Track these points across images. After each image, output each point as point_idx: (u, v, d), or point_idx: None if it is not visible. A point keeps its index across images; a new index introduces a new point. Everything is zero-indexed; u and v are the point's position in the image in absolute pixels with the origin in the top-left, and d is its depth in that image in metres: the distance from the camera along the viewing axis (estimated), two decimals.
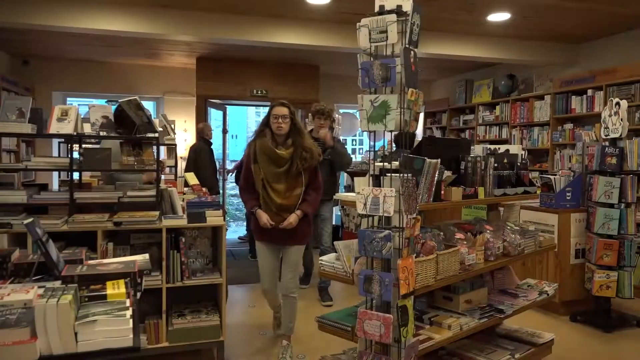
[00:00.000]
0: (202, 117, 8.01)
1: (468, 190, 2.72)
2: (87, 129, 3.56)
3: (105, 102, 7.83)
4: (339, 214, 7.59)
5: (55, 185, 6.67)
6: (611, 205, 4.17)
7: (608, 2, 4.97)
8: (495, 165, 2.95)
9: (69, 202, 3.27)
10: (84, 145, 3.52)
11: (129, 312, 1.49)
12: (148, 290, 3.09)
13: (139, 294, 1.80)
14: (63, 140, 5.57)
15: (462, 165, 2.83)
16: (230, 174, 8.28)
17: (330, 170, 4.73)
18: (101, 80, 8.29)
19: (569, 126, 6.48)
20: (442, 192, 2.56)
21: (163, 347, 3.20)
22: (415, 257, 2.27)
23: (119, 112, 3.54)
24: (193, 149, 6.66)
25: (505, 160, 3.11)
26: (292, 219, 3.28)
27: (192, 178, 4.54)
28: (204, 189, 4.21)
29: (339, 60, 7.65)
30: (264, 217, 3.27)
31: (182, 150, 7.82)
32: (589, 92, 6.13)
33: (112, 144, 3.54)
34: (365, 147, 10.10)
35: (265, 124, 3.34)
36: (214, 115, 8.67)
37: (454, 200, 2.63)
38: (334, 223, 8.27)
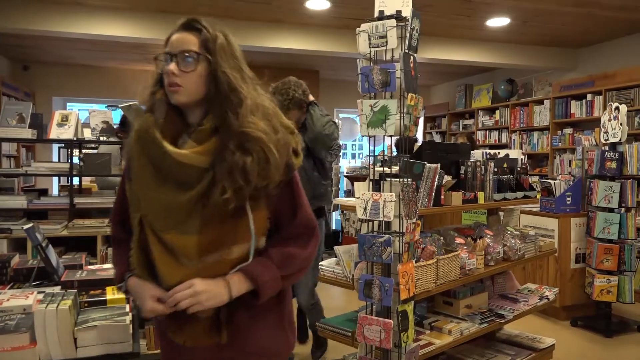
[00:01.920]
0: None
1: (468, 195, 2.72)
2: (87, 134, 3.58)
3: (106, 107, 7.85)
4: (339, 218, 7.59)
5: (55, 191, 6.67)
6: (611, 210, 4.17)
7: (607, 7, 4.99)
8: (495, 169, 2.95)
9: (68, 207, 3.27)
10: (84, 151, 3.52)
11: (128, 318, 1.49)
12: None
13: None
14: (63, 145, 5.58)
15: (462, 170, 2.83)
16: None
17: (314, 162, 3.28)
18: (101, 86, 8.30)
19: (568, 131, 6.49)
20: (442, 196, 2.56)
21: None
22: (416, 262, 2.27)
23: (124, 118, 3.56)
24: None
25: (505, 165, 3.11)
26: (201, 287, 1.26)
27: None
28: None
29: (338, 65, 7.67)
30: (147, 294, 1.30)
31: None
32: (589, 96, 6.14)
33: (109, 149, 3.55)
34: (365, 152, 10.13)
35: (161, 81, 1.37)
36: None
37: (454, 204, 2.63)
38: (333, 228, 8.31)
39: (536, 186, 4.47)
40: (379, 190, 2.14)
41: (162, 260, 1.28)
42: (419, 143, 3.05)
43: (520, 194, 3.09)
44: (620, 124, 4.14)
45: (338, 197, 7.36)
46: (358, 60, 2.18)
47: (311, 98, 3.27)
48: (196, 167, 1.25)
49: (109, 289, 1.68)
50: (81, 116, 3.54)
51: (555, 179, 4.68)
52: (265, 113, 1.31)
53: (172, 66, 1.30)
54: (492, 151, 3.79)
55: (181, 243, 1.26)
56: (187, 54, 1.31)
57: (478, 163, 2.84)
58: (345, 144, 10.03)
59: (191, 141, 1.29)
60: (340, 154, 5.24)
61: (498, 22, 5.56)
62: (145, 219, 1.31)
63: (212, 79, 1.30)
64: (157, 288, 1.29)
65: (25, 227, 1.78)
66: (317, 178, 3.28)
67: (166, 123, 1.32)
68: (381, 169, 2.19)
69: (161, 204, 1.28)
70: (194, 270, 1.26)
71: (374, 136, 2.13)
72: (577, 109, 6.33)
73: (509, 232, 3.05)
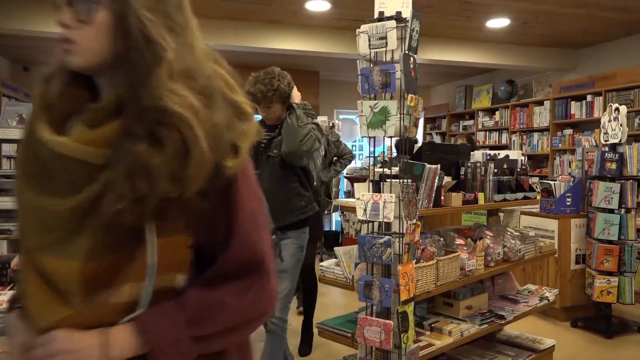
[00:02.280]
0: None
1: (468, 196, 2.72)
2: None
3: None
4: (339, 219, 7.59)
5: None
6: (611, 211, 4.16)
7: (606, 8, 4.99)
8: (495, 170, 2.96)
9: None
10: None
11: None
12: None
13: None
14: None
15: (462, 170, 2.84)
16: None
17: (293, 171, 2.82)
18: None
19: (568, 131, 6.49)
20: (442, 197, 2.56)
21: None
22: (416, 263, 2.27)
23: None
24: None
25: (505, 166, 3.11)
26: (63, 345, 0.83)
27: None
28: None
29: (338, 66, 7.67)
30: (17, 340, 0.90)
31: None
32: (588, 97, 6.14)
33: None
34: (365, 152, 10.13)
35: None
36: None
37: (454, 205, 2.63)
38: (332, 228, 8.32)
39: (536, 187, 4.47)
40: (379, 191, 2.14)
41: (34, 293, 0.88)
42: (419, 144, 3.04)
43: (520, 195, 3.09)
44: (620, 125, 4.14)
45: (338, 197, 7.37)
46: (358, 61, 2.18)
47: (295, 98, 2.80)
48: (84, 162, 0.84)
49: None
50: None
51: (555, 180, 4.68)
52: (206, 86, 0.89)
53: (63, 15, 0.87)
54: (492, 152, 3.79)
55: (60, 270, 0.85)
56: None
57: (478, 164, 2.84)
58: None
59: (81, 124, 0.87)
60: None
61: (498, 23, 5.57)
62: (22, 235, 0.93)
63: (120, 28, 0.86)
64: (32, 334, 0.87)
65: None
66: (296, 189, 2.80)
67: (62, 98, 0.91)
68: (381, 170, 2.19)
69: (36, 212, 0.89)
70: (75, 312, 0.84)
71: (374, 137, 2.13)
72: (577, 110, 6.34)
73: (509, 233, 3.05)
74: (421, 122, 9.44)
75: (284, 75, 2.75)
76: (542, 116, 6.89)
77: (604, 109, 5.22)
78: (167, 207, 0.83)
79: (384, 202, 2.06)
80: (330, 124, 6.34)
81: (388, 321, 2.08)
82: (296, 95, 2.83)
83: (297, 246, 2.82)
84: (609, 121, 4.25)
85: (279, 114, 2.77)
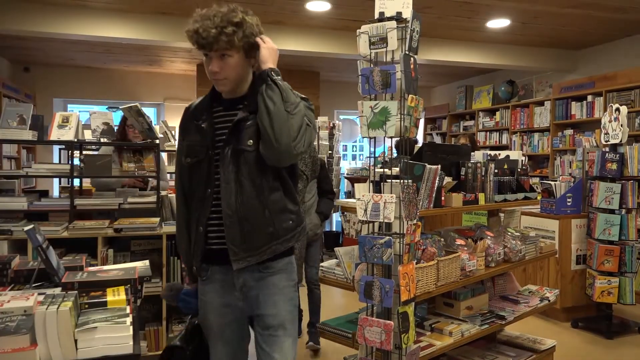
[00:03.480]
0: None
1: (468, 196, 2.72)
2: (87, 135, 3.58)
3: (106, 108, 7.85)
4: (340, 220, 7.60)
5: (55, 192, 6.67)
6: (612, 211, 4.16)
7: (607, 9, 4.99)
8: (496, 171, 2.95)
9: (69, 208, 3.27)
10: (84, 152, 3.53)
11: (129, 319, 1.49)
12: (148, 297, 3.08)
13: (139, 301, 1.80)
14: (64, 146, 5.59)
15: (462, 171, 2.83)
16: None
17: (276, 174, 1.83)
18: (102, 87, 8.31)
19: (569, 132, 6.49)
20: (443, 198, 2.56)
21: None
22: (416, 264, 2.27)
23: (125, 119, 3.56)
24: None
25: (506, 166, 3.11)
26: None
27: None
28: None
29: (339, 66, 7.68)
30: None
31: None
32: (589, 97, 6.14)
33: (110, 150, 3.55)
34: (366, 153, 10.13)
35: None
36: None
37: (455, 206, 2.63)
38: (333, 229, 8.31)
39: (537, 187, 4.47)
40: (380, 192, 2.14)
41: None
42: (419, 144, 3.03)
43: (520, 195, 3.09)
44: (621, 125, 4.14)
45: (338, 198, 7.37)
46: (358, 61, 2.18)
47: (266, 59, 1.76)
48: None
49: (109, 291, 1.68)
50: (82, 117, 3.54)
51: (556, 180, 4.68)
52: None
53: None
54: (492, 152, 3.79)
55: None
56: None
57: (478, 164, 2.84)
58: (346, 145, 10.04)
59: None
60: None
61: (498, 23, 5.57)
62: None
63: None
64: None
65: (26, 228, 1.77)
66: (279, 202, 1.83)
67: None
68: (382, 170, 2.19)
69: None
70: None
71: (375, 137, 2.13)
72: (577, 110, 6.34)
73: (509, 233, 3.04)
74: (421, 122, 9.44)
75: (250, 13, 1.75)
76: (542, 116, 6.89)
77: (605, 110, 5.22)
78: None
79: (385, 203, 2.06)
80: (331, 124, 6.34)
81: (389, 322, 2.08)
82: (269, 52, 1.76)
83: (291, 286, 1.92)
84: (610, 121, 4.25)
85: (240, 74, 1.77)
